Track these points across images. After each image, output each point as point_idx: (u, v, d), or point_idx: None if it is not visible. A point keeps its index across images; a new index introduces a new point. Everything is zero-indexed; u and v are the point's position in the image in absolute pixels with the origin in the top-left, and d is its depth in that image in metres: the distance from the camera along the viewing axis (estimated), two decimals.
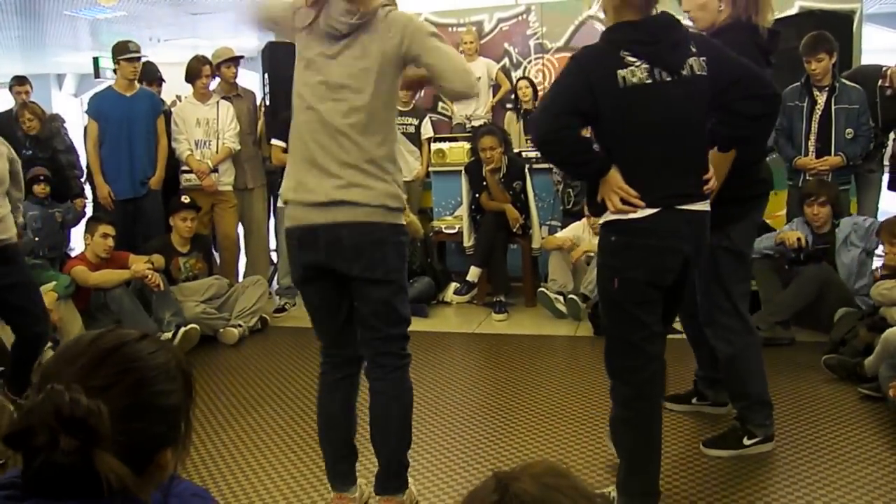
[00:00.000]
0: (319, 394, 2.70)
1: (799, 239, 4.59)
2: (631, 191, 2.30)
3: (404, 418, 2.63)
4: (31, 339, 3.65)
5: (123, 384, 0.99)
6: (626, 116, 2.28)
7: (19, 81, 7.09)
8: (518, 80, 6.80)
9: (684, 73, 2.31)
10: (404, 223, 2.55)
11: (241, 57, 6.09)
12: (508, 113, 6.87)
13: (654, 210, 2.31)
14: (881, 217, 5.20)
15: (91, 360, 1.00)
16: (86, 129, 5.75)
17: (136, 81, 5.61)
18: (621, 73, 2.24)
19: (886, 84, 5.25)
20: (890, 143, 5.55)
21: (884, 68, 5.36)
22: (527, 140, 6.68)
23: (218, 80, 6.01)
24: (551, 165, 6.02)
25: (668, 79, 2.28)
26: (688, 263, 2.43)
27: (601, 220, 2.43)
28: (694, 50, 2.34)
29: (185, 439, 1.09)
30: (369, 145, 2.41)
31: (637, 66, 2.25)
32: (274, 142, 5.58)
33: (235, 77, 6.06)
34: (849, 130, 4.89)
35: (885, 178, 5.61)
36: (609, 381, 2.58)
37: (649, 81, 2.26)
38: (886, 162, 5.63)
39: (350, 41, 2.40)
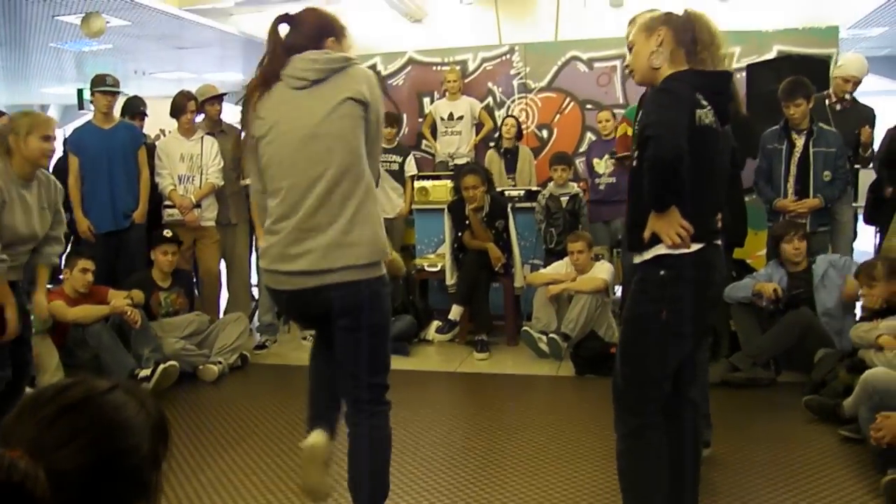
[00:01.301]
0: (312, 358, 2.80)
1: (775, 290, 4.63)
2: (688, 226, 2.38)
3: (381, 464, 2.61)
4: (22, 366, 3.60)
5: (81, 442, 0.96)
6: (695, 155, 2.34)
7: None
8: (505, 118, 6.87)
9: (725, 127, 2.52)
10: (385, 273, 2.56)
11: (225, 94, 6.11)
12: (490, 151, 6.92)
13: (701, 245, 2.42)
14: (857, 256, 5.26)
15: (49, 415, 0.97)
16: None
17: (112, 114, 5.61)
18: (698, 112, 2.37)
19: (834, 101, 5.40)
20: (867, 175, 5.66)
21: (825, 92, 5.48)
22: (509, 178, 6.73)
23: (203, 115, 6.03)
24: (533, 205, 6.08)
25: (719, 129, 2.46)
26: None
27: (646, 256, 2.47)
28: None
29: (156, 494, 1.05)
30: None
31: (708, 110, 2.40)
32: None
33: (219, 114, 6.08)
34: (826, 173, 4.97)
35: (859, 212, 5.71)
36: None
37: (714, 127, 2.42)
38: (860, 199, 5.73)
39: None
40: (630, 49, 2.58)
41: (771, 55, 6.64)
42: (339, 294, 2.42)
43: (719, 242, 2.54)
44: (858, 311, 4.55)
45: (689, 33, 2.46)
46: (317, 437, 2.66)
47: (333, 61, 2.44)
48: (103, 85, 5.46)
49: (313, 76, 2.42)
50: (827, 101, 5.45)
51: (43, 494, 0.89)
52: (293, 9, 2.58)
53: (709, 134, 2.40)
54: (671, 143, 2.28)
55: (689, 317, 2.46)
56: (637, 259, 2.53)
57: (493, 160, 6.81)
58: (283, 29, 2.55)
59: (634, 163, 2.50)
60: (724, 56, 2.54)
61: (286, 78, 2.45)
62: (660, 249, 2.42)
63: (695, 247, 2.40)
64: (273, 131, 2.46)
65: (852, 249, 5.51)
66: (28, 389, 3.97)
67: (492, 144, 7.01)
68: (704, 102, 2.39)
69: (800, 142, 4.98)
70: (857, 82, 5.43)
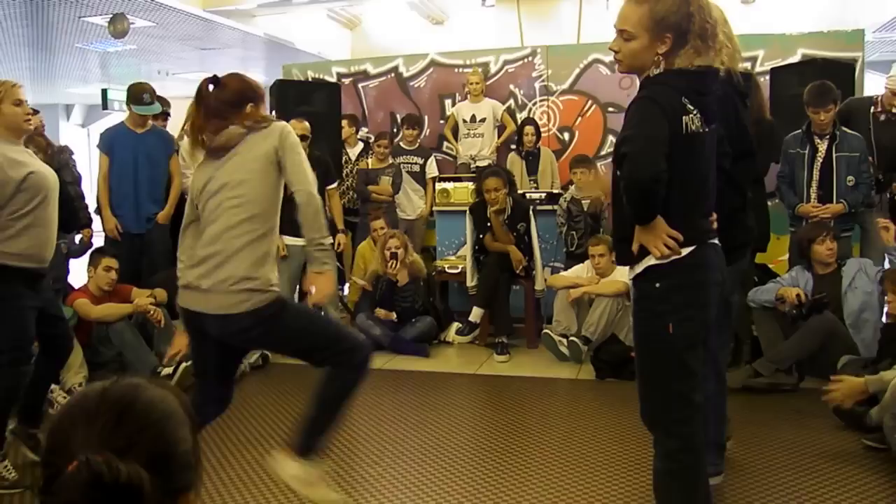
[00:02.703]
0: None
1: (798, 295, 4.59)
2: (677, 234, 2.31)
3: (332, 399, 2.95)
4: (62, 348, 3.75)
5: (145, 441, 0.99)
6: (682, 162, 2.27)
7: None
8: (523, 125, 6.86)
9: (712, 126, 2.40)
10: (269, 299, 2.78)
11: None
12: (511, 154, 6.93)
13: (692, 247, 2.35)
14: (886, 263, 5.20)
15: (109, 421, 0.99)
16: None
17: (148, 120, 5.69)
18: (685, 119, 2.29)
19: (879, 109, 5.30)
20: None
21: (875, 96, 5.40)
22: (531, 180, 6.73)
23: None
24: (555, 207, 6.08)
25: (706, 130, 2.36)
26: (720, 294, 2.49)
27: (638, 269, 2.40)
28: None
29: (199, 479, 1.09)
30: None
31: (695, 114, 2.30)
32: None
33: None
34: (850, 178, 4.92)
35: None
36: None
37: (701, 130, 2.33)
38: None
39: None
40: (626, 37, 2.34)
41: (795, 59, 6.59)
42: (214, 323, 2.79)
43: (716, 241, 2.46)
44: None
45: (685, 35, 2.31)
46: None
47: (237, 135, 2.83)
48: (140, 104, 5.56)
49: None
50: (872, 109, 5.32)
51: (150, 493, 0.93)
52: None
53: (696, 140, 2.32)
54: (647, 164, 2.19)
55: (698, 323, 2.39)
56: (630, 274, 2.47)
57: (514, 162, 6.82)
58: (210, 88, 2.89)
59: (619, 173, 2.39)
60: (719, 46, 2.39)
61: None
62: (650, 260, 2.35)
63: (685, 251, 2.33)
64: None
65: (884, 258, 5.44)
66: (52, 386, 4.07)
67: (513, 147, 7.01)
68: (691, 107, 2.29)
69: (822, 146, 4.93)
70: None
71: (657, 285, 2.36)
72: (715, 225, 2.52)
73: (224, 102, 2.84)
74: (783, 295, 4.64)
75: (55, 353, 3.72)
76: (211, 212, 2.79)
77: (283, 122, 2.93)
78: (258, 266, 2.74)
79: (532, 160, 6.79)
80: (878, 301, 4.57)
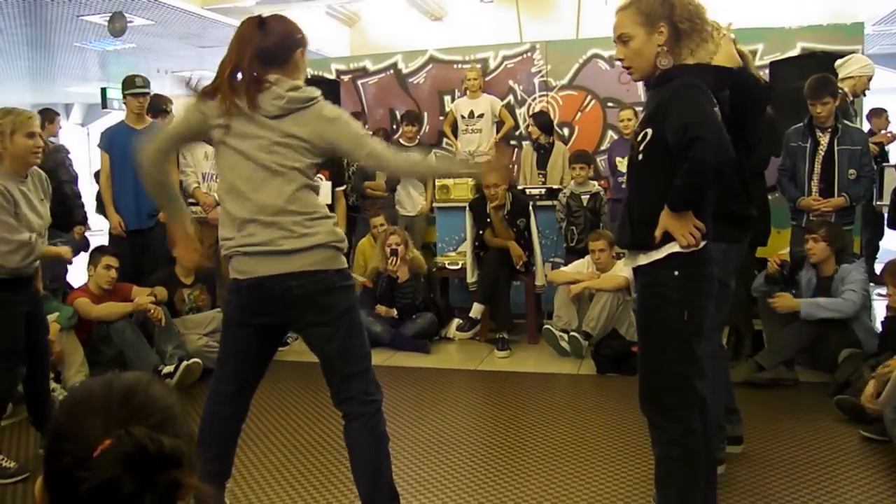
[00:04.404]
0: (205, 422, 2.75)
1: (777, 261, 4.68)
2: (702, 226, 2.35)
3: (375, 469, 2.59)
4: (38, 376, 3.68)
5: (158, 424, 1.00)
6: None
7: (49, 118, 7.20)
8: (529, 122, 6.89)
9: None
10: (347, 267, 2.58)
11: None
12: (526, 145, 6.99)
13: (705, 241, 2.39)
14: (882, 255, 5.21)
15: (122, 409, 1.00)
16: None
17: (145, 115, 5.70)
18: (715, 110, 2.33)
19: (850, 99, 5.28)
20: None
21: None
22: (539, 174, 6.72)
23: None
24: (555, 203, 6.07)
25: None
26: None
27: (655, 256, 2.41)
28: None
29: (199, 466, 1.11)
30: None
31: (717, 107, 2.35)
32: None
33: None
34: (851, 171, 4.91)
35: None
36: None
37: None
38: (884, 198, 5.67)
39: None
40: (624, 41, 2.43)
41: (795, 52, 6.57)
42: (298, 283, 2.47)
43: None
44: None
45: (685, 23, 2.38)
46: None
47: (293, 101, 2.50)
48: (133, 87, 5.58)
49: (275, 112, 2.48)
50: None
51: (188, 462, 0.95)
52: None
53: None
54: (725, 146, 2.23)
55: (704, 313, 2.44)
56: (643, 259, 2.46)
57: (527, 153, 6.88)
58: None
59: (640, 157, 2.45)
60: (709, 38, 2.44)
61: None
62: (673, 248, 2.36)
63: (702, 244, 2.37)
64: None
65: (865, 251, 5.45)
66: (53, 384, 4.06)
67: (526, 143, 7.06)
68: (714, 100, 2.35)
69: (824, 140, 4.92)
70: None
71: (675, 273, 2.39)
72: None
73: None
74: (769, 270, 4.68)
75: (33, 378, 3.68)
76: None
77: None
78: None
79: (543, 153, 6.78)
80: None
